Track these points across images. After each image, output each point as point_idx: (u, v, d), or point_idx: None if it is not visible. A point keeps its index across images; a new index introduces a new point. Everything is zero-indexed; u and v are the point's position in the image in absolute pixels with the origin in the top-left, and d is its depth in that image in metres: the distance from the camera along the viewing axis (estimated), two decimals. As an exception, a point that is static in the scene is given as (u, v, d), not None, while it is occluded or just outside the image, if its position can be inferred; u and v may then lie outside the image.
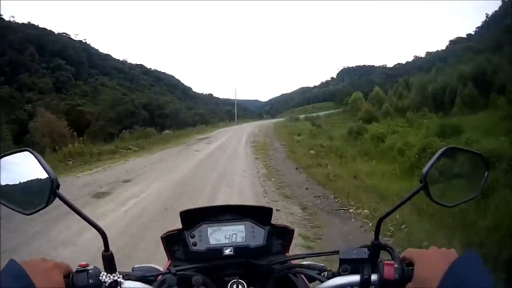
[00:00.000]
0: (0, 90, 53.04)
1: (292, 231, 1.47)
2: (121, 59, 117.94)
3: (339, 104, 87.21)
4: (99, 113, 56.28)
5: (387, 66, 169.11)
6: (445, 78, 43.76)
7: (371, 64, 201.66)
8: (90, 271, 0.96)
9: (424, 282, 0.86)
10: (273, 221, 1.45)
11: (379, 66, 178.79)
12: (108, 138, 29.86)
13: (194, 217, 1.40)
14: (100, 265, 1.02)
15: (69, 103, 59.47)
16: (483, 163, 1.06)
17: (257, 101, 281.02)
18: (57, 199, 0.95)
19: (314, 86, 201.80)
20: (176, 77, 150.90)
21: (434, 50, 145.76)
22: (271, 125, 48.84)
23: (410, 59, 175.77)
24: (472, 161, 1.09)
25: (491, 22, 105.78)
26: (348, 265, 1.04)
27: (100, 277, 0.97)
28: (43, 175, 0.96)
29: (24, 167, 0.99)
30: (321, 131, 30.58)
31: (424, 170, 0.98)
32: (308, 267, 1.23)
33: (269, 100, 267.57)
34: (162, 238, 1.39)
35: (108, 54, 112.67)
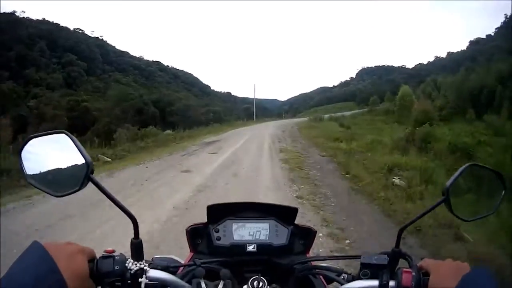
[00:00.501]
0: (2, 85, 47.85)
1: (315, 232, 1.44)
2: (137, 56, 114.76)
3: (363, 104, 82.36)
4: (105, 109, 49.35)
5: (407, 67, 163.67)
6: (480, 77, 38.17)
7: (390, 64, 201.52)
8: (116, 257, 0.95)
9: None
10: (296, 221, 1.41)
11: (399, 66, 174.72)
12: (111, 137, 24.14)
13: (219, 212, 1.38)
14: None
15: (73, 98, 53.45)
16: (500, 182, 1.07)
17: (276, 100, 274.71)
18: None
19: (334, 85, 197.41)
20: (195, 75, 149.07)
21: (455, 51, 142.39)
22: (294, 125, 41.23)
23: (431, 59, 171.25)
24: (492, 179, 1.09)
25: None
26: (368, 270, 1.06)
27: (126, 264, 0.95)
28: (78, 158, 0.95)
29: (59, 149, 0.97)
30: (357, 135, 23.57)
31: (447, 184, 0.99)
32: (328, 269, 1.21)
33: (288, 99, 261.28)
34: (186, 230, 1.37)
35: (125, 51, 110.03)
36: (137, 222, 0.99)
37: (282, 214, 1.41)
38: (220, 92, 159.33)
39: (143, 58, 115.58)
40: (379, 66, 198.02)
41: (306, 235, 1.45)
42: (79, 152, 0.94)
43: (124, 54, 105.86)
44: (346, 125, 34.89)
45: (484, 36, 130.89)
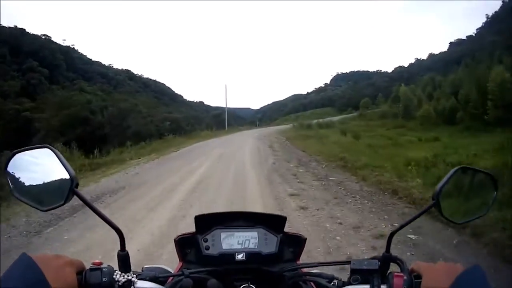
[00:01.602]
0: None
1: (304, 240, 1.41)
2: (107, 64, 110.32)
3: (347, 109, 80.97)
4: (44, 120, 38.67)
5: (383, 71, 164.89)
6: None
7: (365, 69, 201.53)
8: (104, 269, 0.94)
9: None
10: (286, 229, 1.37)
11: (375, 71, 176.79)
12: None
13: (208, 222, 1.36)
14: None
15: (12, 107, 45.37)
16: (492, 183, 1.07)
17: (249, 109, 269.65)
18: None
19: (308, 92, 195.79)
20: (167, 84, 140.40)
21: (436, 52, 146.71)
22: (277, 135, 31.52)
23: (411, 61, 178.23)
24: (483, 181, 1.09)
25: (494, 22, 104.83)
26: (358, 275, 1.03)
27: (114, 276, 0.94)
28: (62, 172, 0.94)
29: (43, 163, 0.97)
30: (383, 150, 16.99)
31: (437, 188, 0.98)
32: (318, 275, 1.18)
33: (261, 107, 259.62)
34: (175, 240, 1.34)
35: (93, 59, 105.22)
36: (123, 235, 0.98)
37: (271, 222, 1.38)
38: (193, 101, 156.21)
39: (112, 66, 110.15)
40: (354, 71, 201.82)
41: (296, 243, 1.41)
42: (63, 167, 0.94)
43: (92, 61, 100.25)
44: (354, 134, 26.78)
45: (464, 37, 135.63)
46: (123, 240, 0.99)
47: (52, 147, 0.96)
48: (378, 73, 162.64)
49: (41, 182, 0.96)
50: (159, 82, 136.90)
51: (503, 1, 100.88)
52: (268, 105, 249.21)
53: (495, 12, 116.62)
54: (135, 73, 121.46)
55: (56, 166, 0.94)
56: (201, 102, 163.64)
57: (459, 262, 1.02)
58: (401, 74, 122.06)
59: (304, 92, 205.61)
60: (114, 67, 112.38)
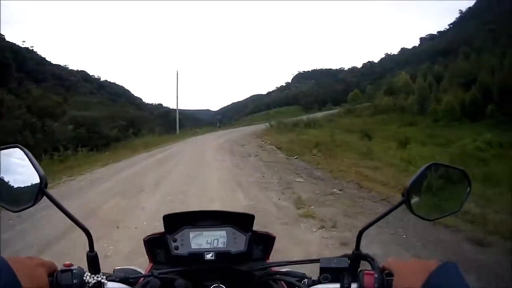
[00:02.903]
0: None
1: (273, 238, 1.41)
2: (62, 65, 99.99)
3: (331, 105, 71.89)
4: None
5: (351, 67, 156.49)
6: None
7: (328, 67, 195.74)
8: (74, 271, 0.93)
9: None
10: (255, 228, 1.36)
11: (339, 68, 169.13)
12: None
13: (176, 221, 1.33)
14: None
15: None
16: (465, 179, 1.06)
17: (208, 110, 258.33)
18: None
19: (268, 92, 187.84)
20: (126, 87, 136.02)
21: (409, 47, 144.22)
22: (257, 142, 22.43)
23: (379, 58, 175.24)
24: (455, 177, 1.08)
25: (468, 18, 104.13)
26: (328, 274, 1.02)
27: (84, 278, 0.94)
28: (32, 173, 0.94)
29: (13, 163, 0.96)
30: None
31: (407, 184, 0.98)
32: (288, 274, 1.18)
33: (220, 109, 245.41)
34: (144, 241, 1.33)
35: (45, 58, 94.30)
36: (91, 236, 0.98)
37: (239, 221, 1.35)
38: (152, 104, 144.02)
39: (67, 67, 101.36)
40: (316, 69, 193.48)
41: (265, 241, 1.40)
42: (32, 167, 0.93)
43: (45, 62, 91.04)
44: (367, 134, 21.79)
45: (435, 33, 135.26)
46: (92, 241, 0.98)
47: (22, 147, 0.95)
48: (342, 70, 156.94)
49: (11, 183, 0.95)
50: (115, 84, 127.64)
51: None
52: (227, 106, 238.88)
53: (469, 7, 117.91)
54: (91, 74, 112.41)
55: (26, 166, 0.93)
56: (160, 104, 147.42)
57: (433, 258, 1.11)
58: (373, 69, 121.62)
59: (264, 92, 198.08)
60: (70, 67, 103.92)
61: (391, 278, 0.89)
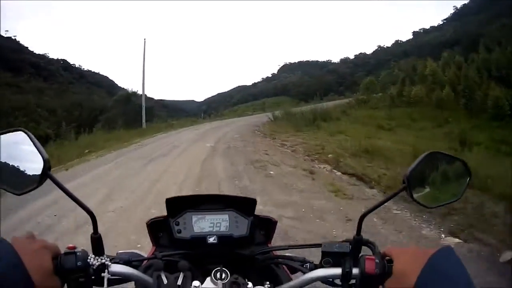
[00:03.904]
0: None
1: (275, 222, 1.42)
2: (41, 53, 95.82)
3: (334, 94, 66.25)
4: None
5: (333, 61, 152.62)
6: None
7: (314, 59, 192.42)
8: (78, 253, 0.92)
9: (403, 277, 0.86)
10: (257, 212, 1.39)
11: (325, 61, 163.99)
12: None
13: (179, 205, 1.33)
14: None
15: None
16: (465, 169, 1.06)
17: (192, 101, 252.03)
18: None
19: (254, 83, 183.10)
20: (111, 77, 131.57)
21: (404, 40, 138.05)
22: (270, 146, 14.76)
23: (371, 50, 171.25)
24: (456, 166, 1.08)
25: (466, 12, 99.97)
26: (330, 258, 1.03)
27: (88, 260, 0.93)
28: (36, 155, 0.93)
29: (17, 147, 0.96)
30: None
31: (407, 171, 0.98)
32: (290, 258, 1.18)
33: (205, 99, 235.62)
34: (147, 224, 1.33)
35: (23, 46, 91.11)
36: (95, 217, 0.97)
37: (242, 205, 1.35)
38: (136, 92, 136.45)
39: (47, 55, 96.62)
40: (302, 61, 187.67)
41: (267, 225, 1.41)
42: (36, 150, 0.93)
43: (23, 50, 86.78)
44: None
45: (428, 27, 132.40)
46: (96, 223, 0.97)
47: (26, 130, 0.95)
48: (330, 62, 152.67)
49: (15, 166, 0.94)
50: (99, 74, 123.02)
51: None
52: (212, 97, 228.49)
53: (464, 4, 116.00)
54: (72, 63, 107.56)
55: (30, 149, 0.92)
56: (145, 95, 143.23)
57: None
58: (366, 60, 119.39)
59: (250, 83, 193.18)
60: (49, 56, 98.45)
61: (391, 264, 0.90)
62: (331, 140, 15.00)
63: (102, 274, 0.92)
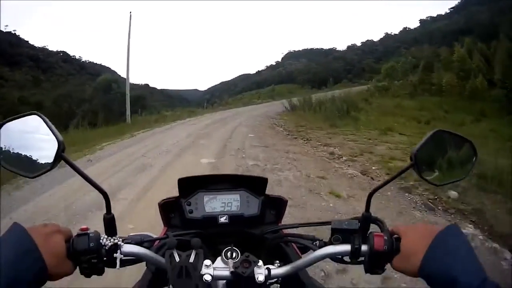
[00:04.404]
0: None
1: (286, 202, 1.42)
2: (40, 46, 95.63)
3: (347, 81, 63.91)
4: None
5: (338, 49, 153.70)
6: None
7: (319, 47, 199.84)
8: (90, 234, 0.93)
9: (410, 253, 0.89)
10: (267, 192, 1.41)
11: (330, 48, 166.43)
12: None
13: (190, 185, 1.35)
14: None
15: None
16: (472, 149, 1.06)
17: (196, 90, 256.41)
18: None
19: (258, 71, 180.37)
20: (112, 68, 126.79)
21: (412, 27, 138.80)
22: (314, 156, 9.39)
23: (378, 37, 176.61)
24: (463, 146, 1.07)
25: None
26: (339, 235, 1.03)
27: (101, 241, 0.93)
28: (50, 138, 0.93)
29: (32, 130, 0.96)
30: None
31: (414, 149, 0.97)
32: (300, 236, 1.18)
33: (209, 88, 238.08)
34: (159, 205, 1.34)
35: (23, 40, 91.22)
36: (108, 198, 0.98)
37: (253, 184, 1.37)
38: (138, 84, 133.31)
39: (46, 47, 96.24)
40: (306, 49, 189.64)
41: (277, 205, 1.41)
42: (51, 132, 0.92)
43: (22, 44, 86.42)
44: None
45: (435, 15, 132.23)
46: (109, 203, 0.98)
47: (40, 114, 0.94)
48: (334, 50, 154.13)
49: (29, 149, 0.95)
50: (100, 64, 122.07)
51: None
52: (215, 85, 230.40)
53: None
54: (71, 55, 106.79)
55: (44, 132, 0.92)
56: (147, 85, 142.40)
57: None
58: (374, 48, 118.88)
59: (253, 71, 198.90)
60: (49, 48, 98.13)
61: (399, 242, 0.92)
62: (389, 143, 10.67)
63: (115, 255, 0.92)
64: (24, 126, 0.94)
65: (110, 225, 0.96)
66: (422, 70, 27.87)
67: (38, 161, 0.94)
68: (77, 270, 0.91)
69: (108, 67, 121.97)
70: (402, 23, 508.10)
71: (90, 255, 0.89)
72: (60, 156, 0.90)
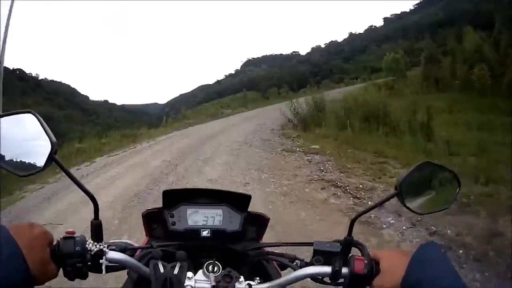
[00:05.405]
0: None
1: (267, 220, 1.39)
2: None
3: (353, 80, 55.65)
4: None
5: (301, 53, 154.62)
6: None
7: (278, 53, 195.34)
8: (77, 238, 0.92)
9: (390, 275, 0.89)
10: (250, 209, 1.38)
11: (291, 53, 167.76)
12: None
13: (174, 197, 1.32)
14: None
15: None
16: (456, 181, 1.07)
17: (156, 104, 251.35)
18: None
19: (217, 80, 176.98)
20: (72, 85, 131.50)
21: (377, 25, 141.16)
22: None
23: (342, 38, 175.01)
24: (447, 177, 1.08)
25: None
26: (321, 257, 1.04)
27: (87, 245, 0.93)
28: (44, 138, 0.91)
29: (25, 129, 0.94)
30: None
31: (400, 178, 0.98)
32: (281, 255, 1.20)
33: (168, 101, 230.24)
34: (143, 215, 1.32)
35: None
36: (97, 203, 0.97)
37: (236, 200, 1.34)
38: (97, 101, 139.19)
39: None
40: (266, 55, 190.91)
41: (259, 222, 1.38)
42: (44, 132, 0.90)
43: None
44: None
45: (399, 12, 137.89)
46: (97, 209, 0.97)
47: (35, 113, 0.92)
48: (296, 54, 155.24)
49: (21, 147, 0.92)
50: (59, 82, 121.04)
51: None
52: (175, 98, 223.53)
53: None
54: (28, 73, 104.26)
55: (38, 132, 0.90)
56: (106, 101, 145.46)
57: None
58: (340, 48, 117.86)
59: (212, 81, 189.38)
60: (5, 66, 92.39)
61: (379, 266, 0.93)
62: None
63: (100, 261, 0.92)
64: (18, 123, 0.91)
65: (97, 231, 0.96)
66: (425, 63, 23.33)
67: (30, 160, 0.90)
68: (60, 272, 0.90)
69: (67, 84, 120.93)
70: (366, 22, 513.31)
71: (76, 259, 0.88)
72: (52, 157, 0.88)
